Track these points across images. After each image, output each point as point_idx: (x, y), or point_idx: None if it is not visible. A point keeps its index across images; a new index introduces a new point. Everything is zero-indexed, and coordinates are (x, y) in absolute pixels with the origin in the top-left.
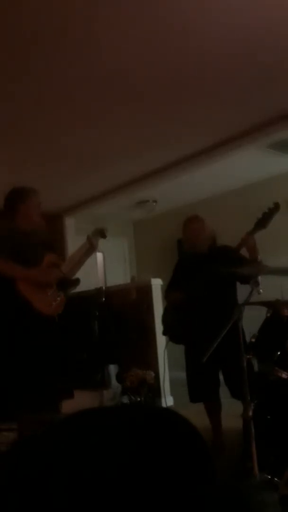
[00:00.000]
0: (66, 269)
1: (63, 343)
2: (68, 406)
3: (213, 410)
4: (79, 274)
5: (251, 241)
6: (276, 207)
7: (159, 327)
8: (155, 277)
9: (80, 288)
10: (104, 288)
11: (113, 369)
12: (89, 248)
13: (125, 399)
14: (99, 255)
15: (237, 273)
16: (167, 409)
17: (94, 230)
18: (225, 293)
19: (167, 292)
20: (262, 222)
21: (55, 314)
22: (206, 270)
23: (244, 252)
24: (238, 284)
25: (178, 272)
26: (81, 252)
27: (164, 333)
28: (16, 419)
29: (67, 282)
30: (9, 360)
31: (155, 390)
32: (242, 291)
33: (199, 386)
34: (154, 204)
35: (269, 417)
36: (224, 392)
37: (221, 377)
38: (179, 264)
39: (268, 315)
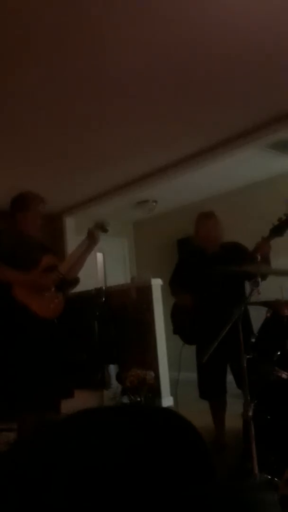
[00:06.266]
0: (64, 269)
1: (62, 345)
2: (68, 406)
3: (218, 408)
4: (79, 275)
5: (266, 248)
6: None
7: (159, 327)
8: (155, 277)
9: (80, 288)
10: (104, 288)
11: (113, 369)
12: (91, 242)
13: (125, 399)
14: (99, 255)
15: (249, 272)
16: (167, 409)
17: (94, 224)
18: (235, 292)
19: (173, 287)
20: (279, 230)
21: (54, 316)
22: (219, 269)
23: None
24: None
25: (185, 267)
26: (82, 249)
27: (175, 332)
28: (16, 419)
29: (66, 283)
30: (8, 362)
31: (155, 390)
32: None
33: (209, 385)
34: (154, 204)
35: (269, 417)
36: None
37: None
38: (187, 259)
39: (268, 315)
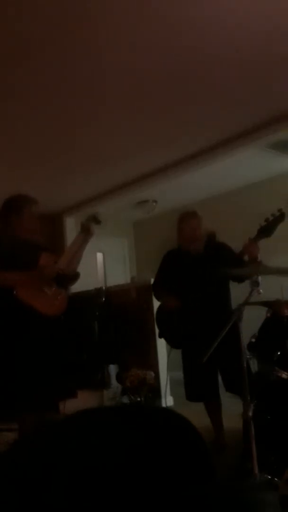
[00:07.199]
0: (63, 264)
1: (63, 345)
2: (68, 406)
3: (213, 409)
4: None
5: (254, 249)
6: (281, 216)
7: None
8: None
9: (80, 288)
10: (104, 288)
11: (113, 369)
12: (86, 235)
13: (125, 399)
14: (99, 255)
15: (235, 274)
16: (167, 409)
17: (87, 217)
18: (219, 293)
19: (157, 290)
20: (266, 230)
21: (59, 313)
22: (204, 272)
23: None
24: (233, 283)
25: (168, 268)
26: (78, 243)
27: (161, 336)
28: (16, 419)
29: (66, 278)
30: (11, 362)
31: (155, 390)
32: (242, 291)
33: (197, 387)
34: (154, 204)
35: (269, 417)
36: (223, 391)
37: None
38: (170, 260)
39: (268, 315)
